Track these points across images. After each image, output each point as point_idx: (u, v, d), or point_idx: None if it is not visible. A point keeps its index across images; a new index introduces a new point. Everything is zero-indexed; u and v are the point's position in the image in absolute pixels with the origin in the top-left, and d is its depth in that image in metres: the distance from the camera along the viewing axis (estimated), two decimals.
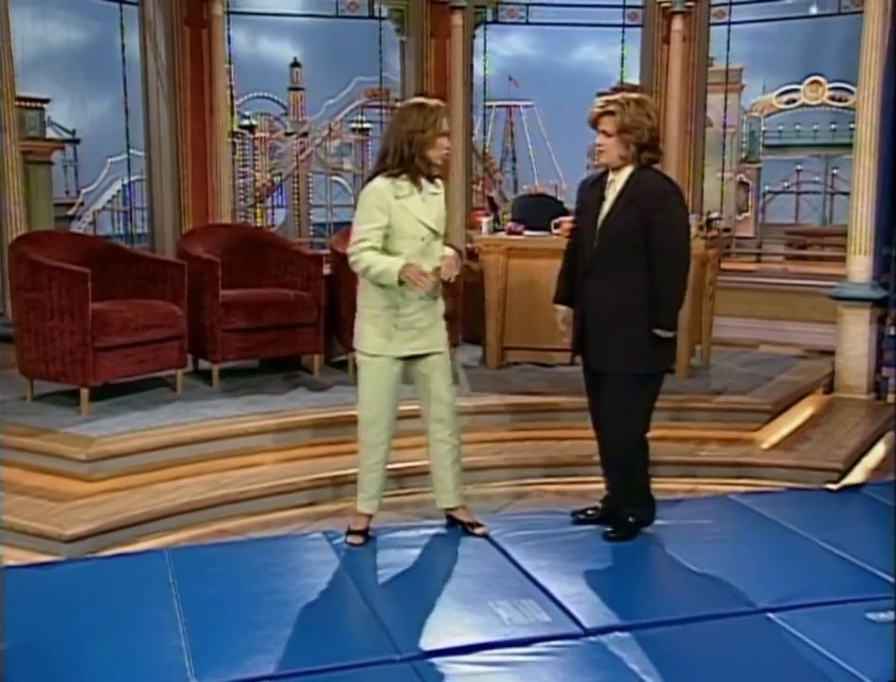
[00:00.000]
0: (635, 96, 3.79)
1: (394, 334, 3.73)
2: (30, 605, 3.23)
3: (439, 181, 3.82)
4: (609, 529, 3.92)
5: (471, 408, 5.03)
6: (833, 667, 2.93)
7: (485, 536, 3.90)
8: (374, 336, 3.75)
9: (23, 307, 4.99)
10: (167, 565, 3.62)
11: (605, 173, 3.84)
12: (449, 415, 3.89)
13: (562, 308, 4.02)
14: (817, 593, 3.42)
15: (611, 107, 3.70)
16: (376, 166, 3.78)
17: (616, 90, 10.32)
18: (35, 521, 3.94)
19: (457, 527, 3.97)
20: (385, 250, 3.66)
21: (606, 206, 3.78)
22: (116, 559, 3.81)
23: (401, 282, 3.58)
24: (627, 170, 3.74)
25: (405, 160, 3.65)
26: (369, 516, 3.91)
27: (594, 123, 3.78)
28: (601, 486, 4.66)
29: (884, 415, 5.91)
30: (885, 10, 6.04)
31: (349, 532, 3.89)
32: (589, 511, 4.09)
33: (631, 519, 3.93)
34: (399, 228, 3.65)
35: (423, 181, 3.72)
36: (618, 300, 3.73)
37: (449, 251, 3.81)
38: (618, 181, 3.77)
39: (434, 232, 3.73)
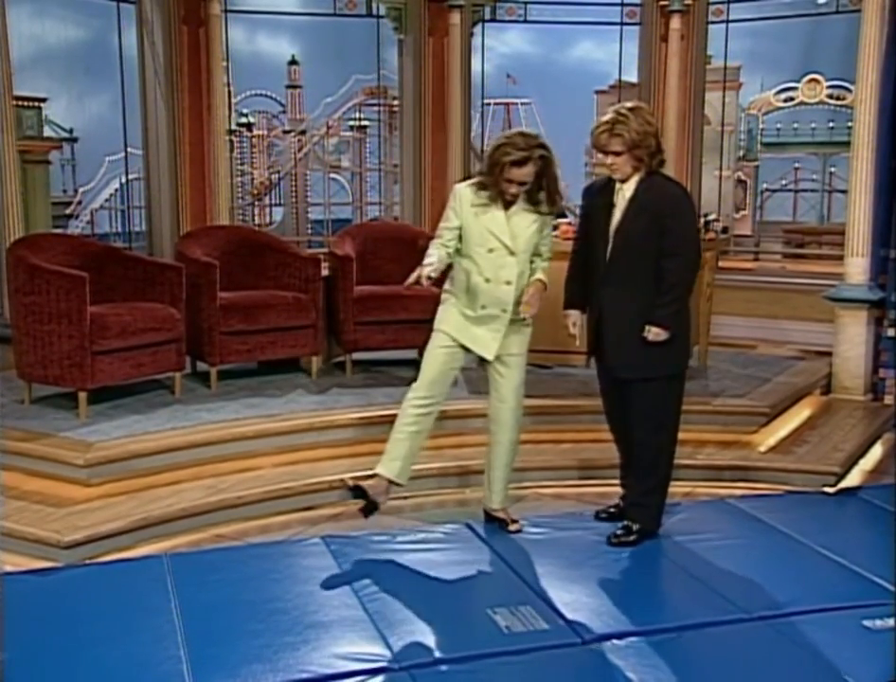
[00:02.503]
0: (629, 106, 3.78)
1: (451, 317, 3.89)
2: (29, 612, 3.23)
3: (544, 208, 3.86)
4: (613, 533, 3.94)
5: (469, 411, 5.02)
6: (829, 675, 2.94)
7: (518, 531, 4.02)
8: (442, 313, 3.93)
9: (21, 310, 4.99)
10: (165, 570, 3.62)
11: (611, 179, 3.84)
12: (507, 419, 3.97)
13: (572, 313, 4.03)
14: (814, 600, 3.42)
15: (617, 129, 3.69)
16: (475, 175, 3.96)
17: (613, 88, 10.26)
18: (33, 527, 3.93)
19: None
20: (460, 253, 3.85)
21: (618, 214, 3.79)
22: (114, 565, 3.81)
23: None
24: (636, 177, 3.76)
25: (489, 181, 3.78)
26: (388, 484, 3.93)
27: (602, 149, 3.76)
28: (599, 489, 4.72)
29: (881, 416, 5.92)
30: (882, 10, 6.03)
31: (358, 486, 3.94)
32: (612, 510, 4.15)
33: (635, 527, 3.94)
34: (467, 234, 3.81)
35: (519, 201, 3.80)
36: (635, 306, 3.76)
37: (532, 286, 3.87)
38: (626, 188, 3.78)
39: (506, 247, 3.79)
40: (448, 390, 4.01)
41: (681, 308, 3.80)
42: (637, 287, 3.75)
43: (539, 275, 3.91)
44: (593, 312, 3.93)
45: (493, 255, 3.79)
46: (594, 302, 3.92)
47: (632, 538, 3.91)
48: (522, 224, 3.81)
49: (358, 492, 3.94)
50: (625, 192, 3.78)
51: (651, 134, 3.72)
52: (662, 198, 3.74)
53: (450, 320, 3.91)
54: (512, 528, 4.05)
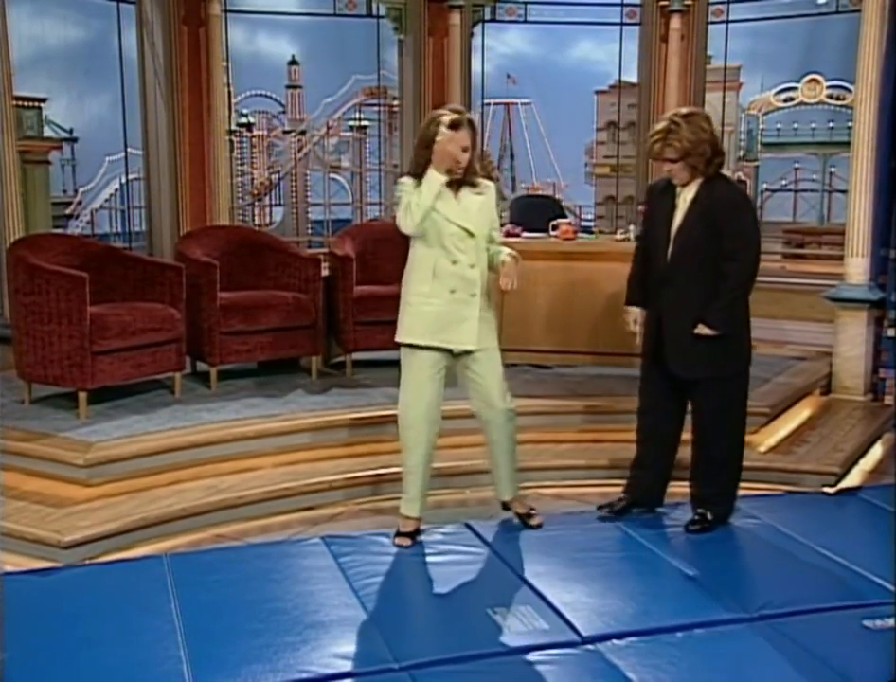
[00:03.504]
0: (684, 112, 3.87)
1: (420, 323, 3.81)
2: (28, 612, 3.24)
3: (485, 183, 3.87)
4: (690, 521, 4.05)
5: (468, 411, 5.01)
6: (829, 675, 2.93)
7: (540, 525, 4.06)
8: (407, 325, 3.87)
9: (21, 311, 4.99)
10: (165, 571, 3.62)
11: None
12: (498, 396, 3.95)
13: (633, 310, 4.13)
14: (814, 599, 3.43)
15: (669, 139, 3.77)
16: (408, 169, 3.90)
17: (613, 88, 10.26)
18: (33, 527, 3.94)
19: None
20: (421, 243, 3.81)
21: (679, 216, 3.88)
22: (114, 565, 3.81)
23: (449, 172, 3.67)
24: (697, 181, 3.84)
25: (425, 165, 3.74)
26: (416, 519, 3.96)
27: (656, 157, 3.86)
28: (600, 489, 4.73)
29: (881, 416, 5.92)
30: (882, 9, 6.03)
31: (398, 534, 3.94)
32: (615, 505, 4.21)
33: (709, 516, 4.04)
34: (425, 225, 3.74)
35: (461, 184, 3.79)
36: (696, 308, 3.84)
37: (507, 259, 3.85)
38: (688, 191, 3.87)
39: (465, 231, 3.78)
40: (441, 408, 3.94)
41: (735, 310, 3.89)
42: (697, 288, 3.84)
43: (507, 250, 3.90)
44: (653, 312, 4.01)
45: (454, 238, 3.76)
46: (654, 303, 4.00)
47: (707, 525, 4.03)
48: (472, 206, 3.81)
49: (415, 535, 3.95)
50: (686, 195, 3.88)
51: (704, 141, 3.78)
52: (721, 202, 3.83)
53: (420, 327, 3.82)
54: (533, 522, 4.07)
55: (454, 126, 3.69)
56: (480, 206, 3.84)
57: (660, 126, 3.83)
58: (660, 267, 3.95)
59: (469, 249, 3.79)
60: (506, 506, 4.16)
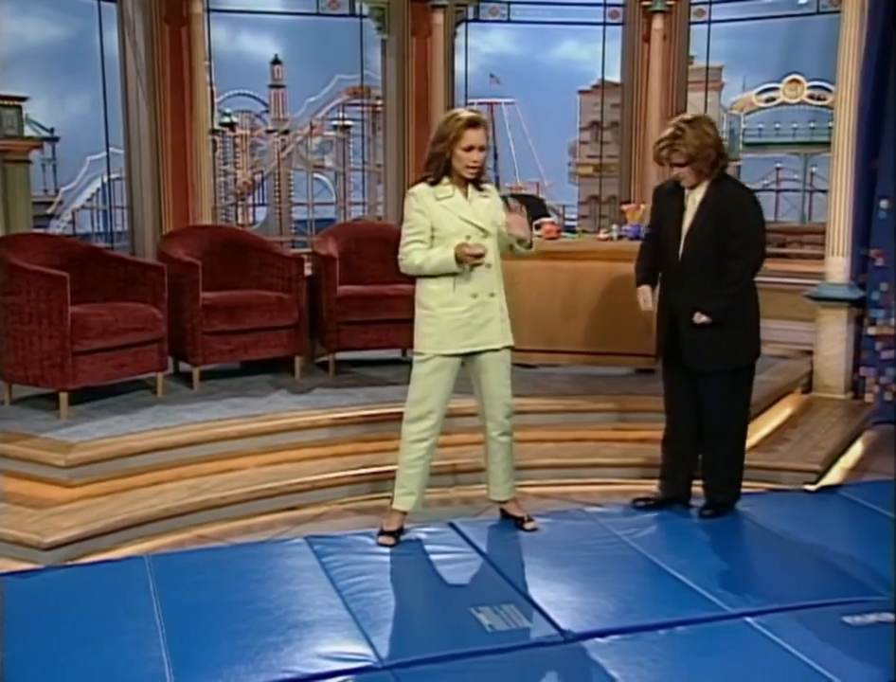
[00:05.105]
0: (688, 118, 4.01)
1: (448, 334, 3.81)
2: (8, 614, 3.22)
3: (487, 187, 3.92)
4: (703, 507, 4.24)
5: (455, 410, 5.00)
6: (810, 671, 2.94)
7: (535, 530, 4.06)
8: (428, 337, 3.85)
9: (1, 311, 4.95)
10: (147, 571, 3.61)
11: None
12: (501, 414, 3.99)
13: (644, 288, 4.26)
14: (795, 596, 3.44)
15: (675, 145, 3.91)
16: (421, 173, 3.92)
17: (596, 88, 10.30)
18: (13, 528, 3.91)
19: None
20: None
21: (689, 217, 4.02)
22: (95, 566, 3.79)
23: (458, 261, 3.70)
24: (704, 183, 3.98)
25: (440, 168, 3.79)
26: (404, 514, 3.96)
27: (664, 162, 4.01)
28: (582, 487, 4.74)
29: (861, 414, 5.96)
30: (862, 10, 6.06)
31: (381, 532, 3.93)
32: (650, 499, 4.34)
33: (720, 500, 4.24)
34: (441, 227, 3.78)
35: (470, 186, 3.83)
36: (707, 304, 3.96)
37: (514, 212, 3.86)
38: (696, 193, 4.00)
39: (481, 230, 3.81)
40: (446, 408, 3.97)
41: (735, 303, 4.00)
42: (709, 286, 3.96)
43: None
44: (666, 311, 4.15)
45: (471, 241, 3.77)
46: (666, 303, 4.15)
47: (719, 510, 4.23)
48: (482, 207, 3.85)
49: (399, 534, 3.95)
50: (695, 197, 4.01)
51: (709, 145, 3.91)
52: (728, 203, 3.96)
53: (449, 338, 3.81)
54: (528, 526, 4.08)
55: (472, 125, 3.73)
56: (489, 207, 3.87)
57: (667, 132, 3.96)
58: (672, 267, 4.08)
59: (485, 248, 3.80)
60: (502, 510, 4.17)
